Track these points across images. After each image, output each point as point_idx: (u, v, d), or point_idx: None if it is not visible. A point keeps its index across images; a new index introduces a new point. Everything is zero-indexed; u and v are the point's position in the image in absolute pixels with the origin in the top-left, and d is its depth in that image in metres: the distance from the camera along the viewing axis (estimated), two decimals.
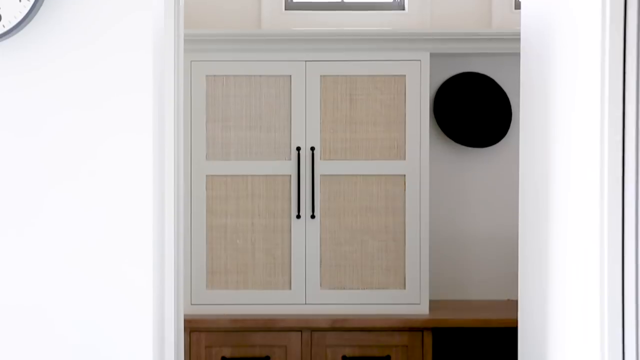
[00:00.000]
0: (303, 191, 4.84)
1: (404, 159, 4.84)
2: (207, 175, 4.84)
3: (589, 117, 2.77)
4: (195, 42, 4.71)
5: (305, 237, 4.86)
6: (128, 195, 2.85)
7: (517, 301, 3.71)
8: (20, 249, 2.85)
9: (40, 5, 2.74)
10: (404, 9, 5.28)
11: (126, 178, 2.85)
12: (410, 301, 4.88)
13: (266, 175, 4.85)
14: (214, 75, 4.85)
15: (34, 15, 2.74)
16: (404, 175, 4.85)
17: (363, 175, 4.87)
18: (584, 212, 2.82)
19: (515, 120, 5.13)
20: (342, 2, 5.33)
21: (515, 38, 4.00)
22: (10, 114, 2.81)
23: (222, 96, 4.84)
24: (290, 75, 4.84)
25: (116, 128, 2.83)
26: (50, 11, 2.77)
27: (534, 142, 3.42)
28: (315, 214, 4.84)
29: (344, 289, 4.89)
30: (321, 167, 4.83)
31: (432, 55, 4.96)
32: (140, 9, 2.80)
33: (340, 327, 4.76)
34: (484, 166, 5.28)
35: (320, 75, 4.84)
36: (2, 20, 2.70)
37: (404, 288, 4.88)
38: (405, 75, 4.85)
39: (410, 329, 4.76)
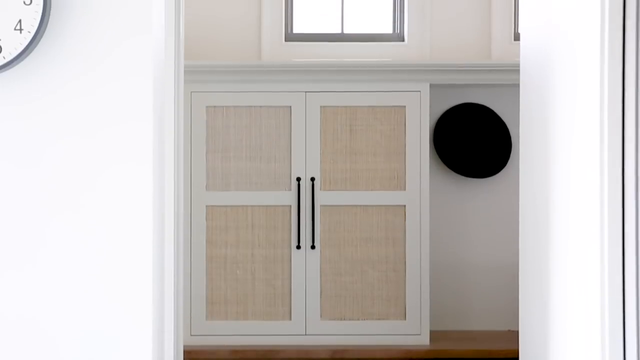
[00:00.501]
0: (303, 221, 4.84)
1: (404, 189, 4.84)
2: (207, 206, 4.84)
3: (588, 147, 2.77)
4: (196, 73, 4.72)
5: (306, 267, 4.86)
6: (128, 226, 2.85)
7: (518, 332, 3.70)
8: (21, 283, 2.84)
9: (41, 36, 2.74)
10: (403, 41, 5.30)
11: (126, 208, 2.84)
12: (410, 332, 4.86)
13: (266, 206, 4.85)
14: (214, 106, 4.86)
15: (35, 47, 2.75)
16: (404, 206, 4.85)
17: (363, 205, 4.86)
18: (584, 241, 2.82)
19: (515, 151, 5.13)
20: (342, 33, 5.35)
21: (515, 69, 4.01)
22: (11, 144, 2.81)
23: (222, 127, 4.85)
24: (290, 106, 4.85)
25: (116, 158, 2.83)
26: (50, 41, 2.78)
27: (533, 173, 3.42)
28: (315, 244, 4.84)
29: (344, 319, 4.88)
30: (321, 198, 4.83)
31: (432, 86, 4.97)
32: (140, 33, 2.80)
33: (340, 358, 4.74)
34: (484, 197, 5.27)
35: (320, 106, 4.85)
36: (2, 51, 2.70)
37: (405, 319, 4.87)
38: (405, 106, 4.86)
39: None
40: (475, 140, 5.21)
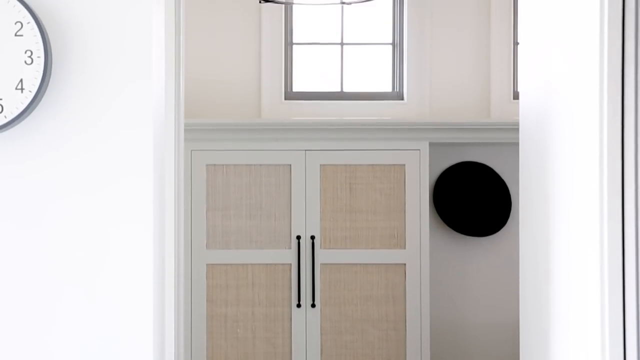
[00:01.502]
0: (303, 280, 4.82)
1: (404, 247, 4.84)
2: (207, 264, 4.83)
3: (588, 206, 2.77)
4: (196, 132, 4.74)
5: (306, 326, 4.83)
6: (129, 286, 2.84)
7: None
8: (26, 348, 2.82)
9: (42, 95, 2.75)
10: (403, 99, 5.32)
11: (127, 268, 2.83)
12: None
13: (266, 264, 4.84)
14: (214, 164, 4.87)
15: (36, 106, 2.76)
16: (404, 264, 4.84)
17: (363, 264, 4.85)
18: (585, 300, 2.81)
19: (515, 210, 5.13)
20: (342, 92, 5.38)
21: (514, 128, 4.02)
22: (12, 203, 2.81)
23: (223, 185, 4.86)
24: (290, 164, 4.86)
25: (117, 217, 2.82)
26: (51, 100, 2.79)
27: (533, 232, 3.42)
28: (315, 302, 4.82)
29: None
30: (321, 256, 4.82)
31: (431, 144, 4.99)
32: (140, 85, 2.80)
33: None
34: (485, 255, 5.26)
35: (320, 165, 4.87)
36: (4, 111, 2.71)
37: None
38: (404, 165, 4.87)
39: None
40: (475, 199, 5.21)
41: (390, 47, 5.42)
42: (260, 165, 4.87)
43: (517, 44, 5.09)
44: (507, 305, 5.18)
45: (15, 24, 2.69)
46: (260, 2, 4.02)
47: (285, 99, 5.31)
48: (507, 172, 5.21)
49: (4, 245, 2.81)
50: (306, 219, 4.84)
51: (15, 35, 2.70)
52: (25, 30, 2.69)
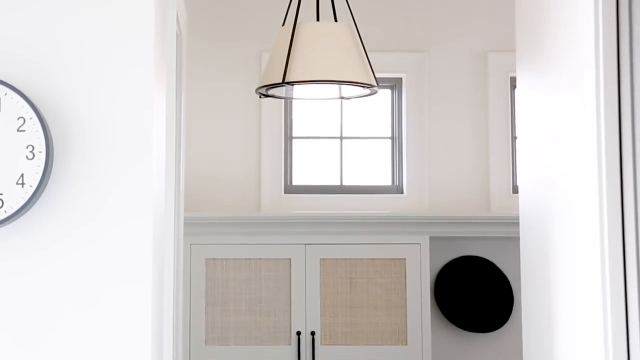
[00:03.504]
0: None
1: (406, 343, 4.79)
2: None
3: (591, 303, 2.75)
4: (196, 226, 4.73)
5: None
6: None
7: None
8: None
9: (43, 190, 2.75)
10: (402, 193, 5.33)
11: None
12: None
13: None
14: (214, 259, 4.85)
15: (36, 201, 2.75)
16: None
17: None
18: None
19: (518, 305, 5.09)
20: (341, 185, 5.38)
21: (514, 222, 4.01)
22: (10, 303, 2.76)
23: (222, 279, 4.82)
24: (290, 259, 4.84)
25: (115, 321, 2.77)
26: (51, 194, 2.77)
27: (537, 328, 3.39)
28: None
29: None
30: (322, 353, 4.77)
31: (431, 238, 4.97)
32: (140, 178, 2.78)
33: None
34: (487, 352, 5.21)
35: (320, 259, 4.84)
36: (4, 206, 2.70)
37: None
38: (405, 259, 4.85)
39: None
40: (476, 294, 5.17)
41: (390, 140, 5.44)
42: (260, 259, 4.85)
43: (515, 138, 5.11)
44: None
45: (18, 119, 2.70)
46: (260, 96, 4.05)
47: (284, 192, 5.31)
48: (509, 267, 5.18)
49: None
50: (306, 314, 4.80)
51: (18, 130, 2.70)
52: (28, 126, 2.70)
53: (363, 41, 3.92)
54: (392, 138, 5.43)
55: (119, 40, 2.78)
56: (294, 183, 5.37)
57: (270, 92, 4.00)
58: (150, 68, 2.79)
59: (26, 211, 2.75)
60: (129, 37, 2.78)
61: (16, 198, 2.71)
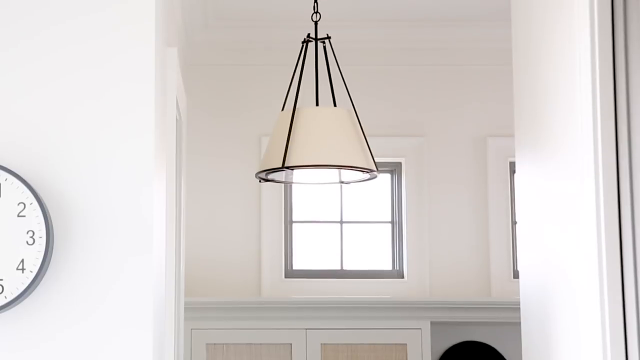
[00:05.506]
0: None
1: None
2: None
3: None
4: (196, 310, 4.71)
5: None
6: None
7: None
8: None
9: (43, 275, 2.74)
10: (403, 277, 5.31)
11: None
12: None
13: None
14: (215, 344, 4.82)
15: (37, 286, 2.74)
16: None
17: None
18: None
19: None
20: (342, 270, 5.37)
21: (515, 307, 4.00)
22: None
23: None
24: (291, 344, 4.81)
25: None
26: (52, 279, 2.76)
27: None
28: None
29: None
30: None
31: (432, 323, 4.95)
32: (141, 253, 2.77)
33: None
34: None
35: (321, 344, 4.81)
36: (4, 291, 2.70)
37: None
38: (406, 344, 4.82)
39: None
40: None
41: (390, 225, 5.44)
42: (261, 344, 4.82)
43: (515, 222, 5.12)
44: None
45: (18, 204, 2.71)
46: (260, 181, 4.07)
47: (285, 277, 5.29)
48: (510, 353, 5.14)
49: None
50: None
51: (18, 216, 2.71)
52: (28, 211, 2.70)
53: (362, 125, 3.93)
54: (392, 222, 5.43)
55: (121, 134, 2.81)
56: (294, 267, 5.35)
57: (270, 176, 4.01)
58: (150, 160, 2.82)
59: (26, 297, 2.74)
60: (131, 132, 2.82)
61: (16, 284, 2.71)
